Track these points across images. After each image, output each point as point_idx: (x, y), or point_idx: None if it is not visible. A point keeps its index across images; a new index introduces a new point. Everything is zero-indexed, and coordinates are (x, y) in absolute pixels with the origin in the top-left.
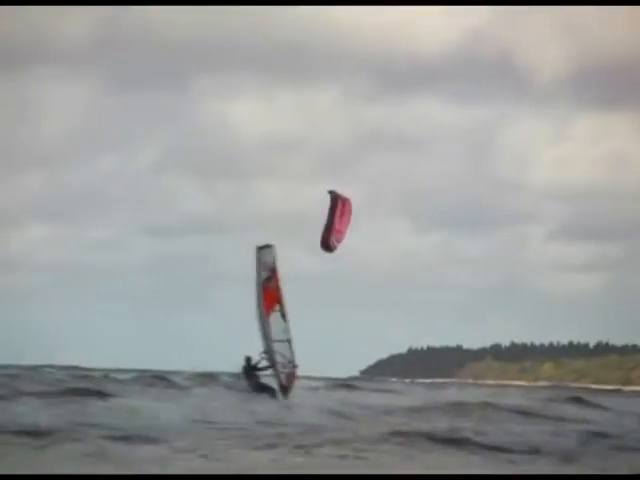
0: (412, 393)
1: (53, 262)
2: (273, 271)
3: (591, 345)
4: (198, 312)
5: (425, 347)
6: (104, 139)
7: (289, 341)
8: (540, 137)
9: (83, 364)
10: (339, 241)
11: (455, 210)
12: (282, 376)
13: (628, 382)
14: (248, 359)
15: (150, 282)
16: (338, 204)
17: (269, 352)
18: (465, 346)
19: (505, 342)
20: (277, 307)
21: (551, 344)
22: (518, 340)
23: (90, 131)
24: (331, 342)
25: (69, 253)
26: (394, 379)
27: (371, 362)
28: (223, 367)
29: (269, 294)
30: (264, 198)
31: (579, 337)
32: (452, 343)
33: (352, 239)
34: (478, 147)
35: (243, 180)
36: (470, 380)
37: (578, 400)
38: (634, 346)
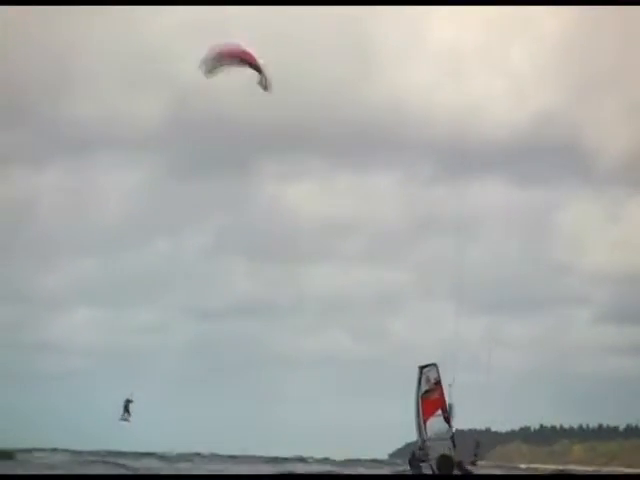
0: None
1: (99, 345)
2: (436, 385)
3: (621, 428)
4: (245, 394)
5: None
6: (160, 223)
7: (451, 439)
8: (595, 220)
9: (131, 448)
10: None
11: (506, 293)
12: (435, 467)
13: None
14: (413, 452)
15: (196, 364)
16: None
17: (423, 449)
18: (493, 429)
19: (534, 425)
20: (438, 412)
21: (580, 427)
22: (547, 423)
23: (147, 215)
24: (362, 424)
25: (116, 336)
26: None
27: (400, 445)
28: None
29: (429, 403)
30: (315, 281)
31: (610, 420)
32: (480, 426)
33: (398, 323)
34: (534, 229)
35: (295, 263)
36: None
37: None
38: None
